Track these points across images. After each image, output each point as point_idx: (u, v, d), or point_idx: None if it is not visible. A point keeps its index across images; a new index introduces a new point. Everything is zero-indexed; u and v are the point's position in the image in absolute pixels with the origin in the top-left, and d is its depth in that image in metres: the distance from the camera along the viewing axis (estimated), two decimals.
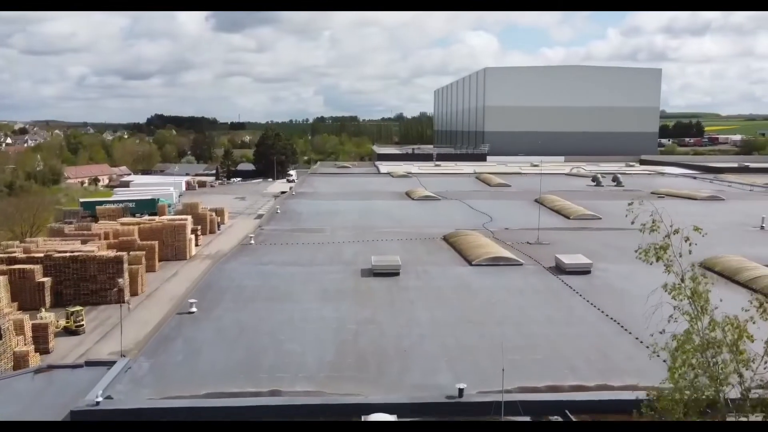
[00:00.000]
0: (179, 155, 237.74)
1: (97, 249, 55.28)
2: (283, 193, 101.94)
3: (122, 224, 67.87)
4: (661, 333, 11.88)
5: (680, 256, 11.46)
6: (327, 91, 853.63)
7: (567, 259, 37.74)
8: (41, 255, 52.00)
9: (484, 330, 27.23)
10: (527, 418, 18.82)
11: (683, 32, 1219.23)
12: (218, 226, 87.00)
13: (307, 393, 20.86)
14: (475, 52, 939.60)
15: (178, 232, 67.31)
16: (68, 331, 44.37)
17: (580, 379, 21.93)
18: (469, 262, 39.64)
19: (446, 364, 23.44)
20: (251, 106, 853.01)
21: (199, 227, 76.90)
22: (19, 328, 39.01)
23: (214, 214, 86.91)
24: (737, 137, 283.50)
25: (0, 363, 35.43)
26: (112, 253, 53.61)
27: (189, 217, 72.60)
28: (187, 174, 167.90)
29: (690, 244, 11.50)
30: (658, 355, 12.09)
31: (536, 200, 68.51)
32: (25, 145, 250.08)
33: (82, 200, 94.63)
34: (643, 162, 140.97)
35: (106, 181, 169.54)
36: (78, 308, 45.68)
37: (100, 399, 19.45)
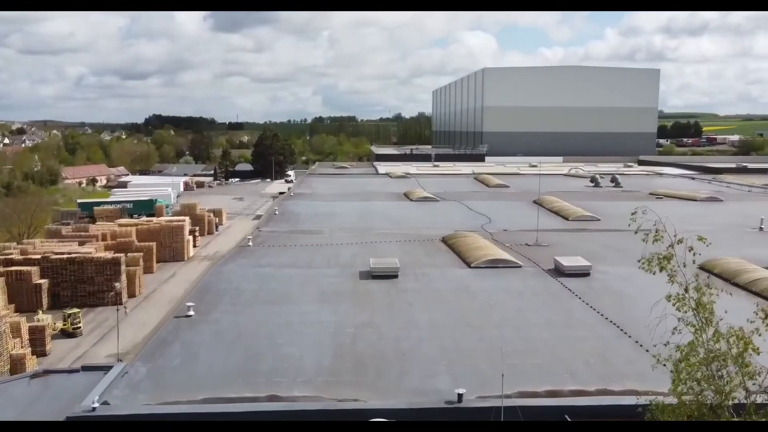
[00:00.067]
0: (177, 155, 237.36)
1: (94, 250, 55.02)
2: (281, 193, 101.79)
3: (120, 225, 67.61)
4: (665, 345, 11.72)
5: (684, 266, 11.30)
6: (325, 91, 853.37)
7: (566, 262, 37.63)
8: (38, 256, 51.72)
9: (483, 333, 27.12)
10: None
11: (681, 32, 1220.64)
12: (216, 227, 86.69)
13: (306, 398, 20.73)
14: (473, 52, 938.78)
15: (176, 234, 67.03)
16: (65, 334, 44.07)
17: (580, 384, 21.81)
18: (468, 264, 39.52)
19: (445, 368, 23.32)
20: (249, 106, 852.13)
21: (197, 228, 76.60)
22: (15, 331, 38.75)
23: (212, 214, 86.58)
24: (735, 137, 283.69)
25: None
26: (109, 255, 53.33)
27: (187, 218, 72.30)
28: (185, 174, 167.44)
29: (694, 254, 11.35)
30: (664, 365, 11.92)
31: (535, 201, 68.42)
32: (23, 145, 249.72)
33: (79, 201, 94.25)
34: (641, 162, 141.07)
35: (104, 182, 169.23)
36: (75, 310, 45.39)
37: (96, 405, 19.30)
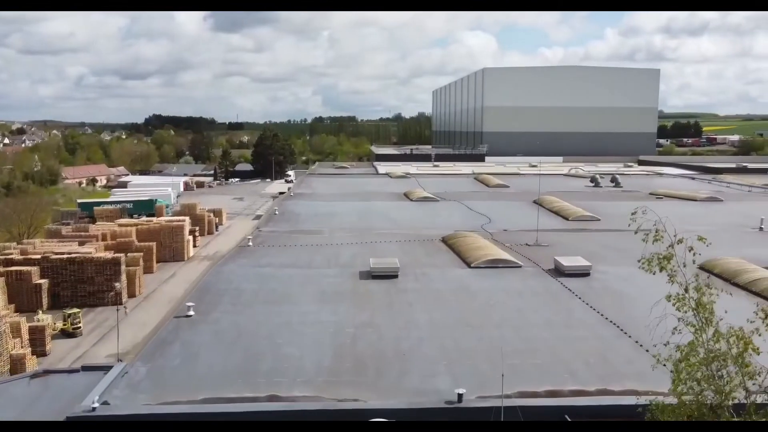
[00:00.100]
0: (177, 155, 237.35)
1: (94, 250, 55.03)
2: (281, 193, 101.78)
3: (120, 225, 67.63)
4: (665, 345, 11.71)
5: (684, 266, 11.29)
6: (325, 91, 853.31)
7: (566, 262, 37.63)
8: (38, 256, 51.73)
9: (483, 333, 27.12)
10: None
11: (681, 32, 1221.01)
12: (216, 227, 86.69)
13: (306, 398, 20.73)
14: (473, 53, 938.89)
15: (176, 234, 67.03)
16: (65, 334, 44.08)
17: (580, 384, 21.81)
18: (468, 264, 39.52)
19: (445, 368, 23.32)
20: (249, 106, 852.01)
21: (197, 228, 76.62)
22: (15, 331, 38.76)
23: (212, 214, 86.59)
24: (735, 137, 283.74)
25: None
26: (109, 255, 53.34)
27: (187, 218, 72.30)
28: (185, 174, 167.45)
29: (694, 254, 11.34)
30: (664, 365, 11.90)
31: (535, 201, 68.43)
32: (23, 145, 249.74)
33: (79, 201, 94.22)
34: (641, 162, 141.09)
35: (104, 182, 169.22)
36: (75, 310, 45.39)
37: (96, 405, 19.30)
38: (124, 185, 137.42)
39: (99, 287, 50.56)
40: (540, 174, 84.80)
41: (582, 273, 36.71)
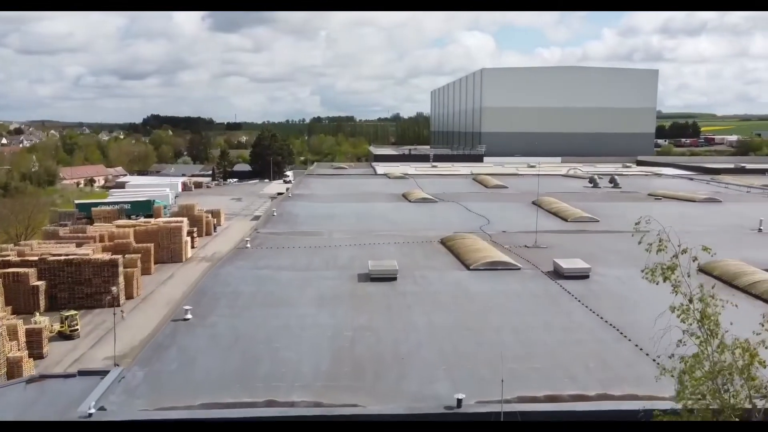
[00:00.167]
0: (175, 156, 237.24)
1: (92, 252, 54.88)
2: (279, 194, 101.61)
3: (118, 226, 67.49)
4: (670, 357, 11.54)
5: (688, 275, 11.13)
6: (323, 91, 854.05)
7: (565, 264, 37.50)
8: (35, 258, 51.59)
9: (482, 337, 26.98)
10: None
11: (679, 32, 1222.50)
12: (214, 228, 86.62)
13: (304, 403, 20.57)
14: (471, 53, 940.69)
15: (174, 235, 66.93)
16: (63, 336, 43.96)
17: (580, 389, 21.67)
18: (467, 267, 39.38)
19: (444, 373, 23.17)
20: (248, 106, 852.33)
21: (195, 229, 76.53)
22: (12, 333, 38.61)
23: (210, 215, 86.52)
24: (733, 138, 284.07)
25: None
26: (107, 257, 53.22)
27: (185, 219, 72.21)
28: (183, 175, 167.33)
29: (698, 264, 11.17)
30: (672, 376, 11.73)
31: (533, 202, 68.34)
32: (21, 145, 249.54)
33: (77, 202, 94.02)
34: (639, 163, 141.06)
35: (102, 182, 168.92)
36: (73, 312, 45.26)
37: (93, 410, 19.14)
38: (122, 186, 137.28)
39: (96, 289, 50.43)
40: (539, 175, 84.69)
41: (581, 275, 36.57)
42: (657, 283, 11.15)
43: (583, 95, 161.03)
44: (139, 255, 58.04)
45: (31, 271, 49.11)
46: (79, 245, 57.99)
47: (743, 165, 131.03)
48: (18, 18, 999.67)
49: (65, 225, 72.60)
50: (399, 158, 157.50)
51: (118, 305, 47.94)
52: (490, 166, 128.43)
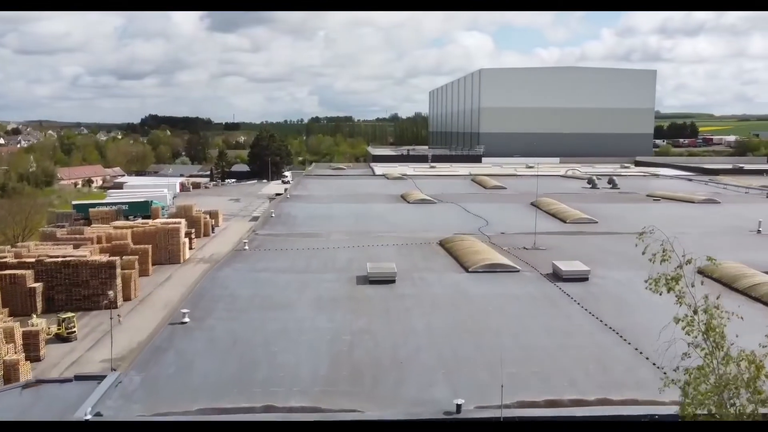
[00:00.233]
0: (173, 156, 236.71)
1: (89, 254, 54.66)
2: (278, 194, 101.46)
3: (115, 228, 67.27)
4: (675, 371, 11.36)
5: (692, 286, 10.97)
6: (322, 91, 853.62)
7: (564, 266, 37.38)
8: (33, 260, 51.34)
9: (482, 340, 26.84)
10: None
11: (677, 32, 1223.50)
12: (212, 229, 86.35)
13: (302, 408, 20.42)
14: (469, 53, 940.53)
15: (172, 236, 66.69)
16: (60, 338, 43.75)
17: (580, 393, 21.54)
18: (466, 269, 39.25)
19: (443, 377, 23.03)
20: (246, 106, 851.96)
21: (193, 230, 76.34)
22: (9, 336, 38.38)
23: (208, 216, 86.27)
24: (731, 138, 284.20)
25: None
26: (104, 258, 53.02)
27: (183, 221, 71.99)
28: (182, 175, 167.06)
29: (703, 277, 11.02)
30: (681, 388, 11.54)
31: (532, 203, 68.27)
32: (18, 145, 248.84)
33: (74, 203, 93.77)
34: (638, 163, 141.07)
35: (100, 183, 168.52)
36: (70, 315, 45.03)
37: (89, 416, 18.98)
38: (120, 186, 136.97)
39: (94, 291, 50.21)
40: (538, 175, 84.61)
41: (580, 278, 36.45)
42: (660, 294, 10.98)
43: (581, 96, 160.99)
44: (137, 256, 57.84)
45: (28, 273, 48.87)
46: (76, 247, 57.74)
47: (741, 166, 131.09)
48: (15, 18, 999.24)
49: (63, 226, 72.30)
50: (397, 159, 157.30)
51: (116, 308, 47.70)
52: (488, 166, 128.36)
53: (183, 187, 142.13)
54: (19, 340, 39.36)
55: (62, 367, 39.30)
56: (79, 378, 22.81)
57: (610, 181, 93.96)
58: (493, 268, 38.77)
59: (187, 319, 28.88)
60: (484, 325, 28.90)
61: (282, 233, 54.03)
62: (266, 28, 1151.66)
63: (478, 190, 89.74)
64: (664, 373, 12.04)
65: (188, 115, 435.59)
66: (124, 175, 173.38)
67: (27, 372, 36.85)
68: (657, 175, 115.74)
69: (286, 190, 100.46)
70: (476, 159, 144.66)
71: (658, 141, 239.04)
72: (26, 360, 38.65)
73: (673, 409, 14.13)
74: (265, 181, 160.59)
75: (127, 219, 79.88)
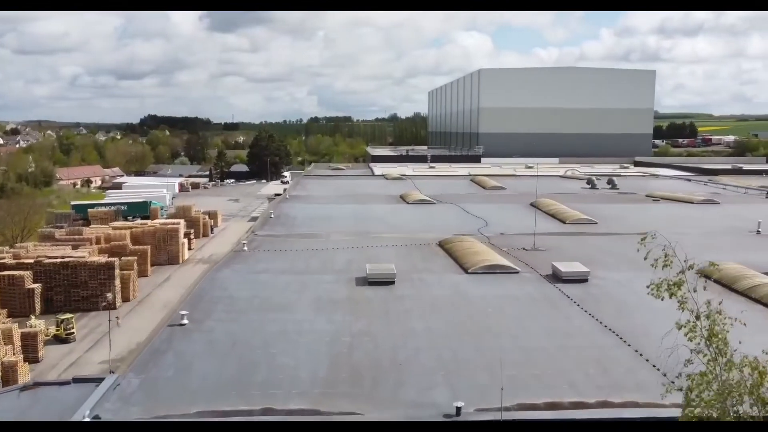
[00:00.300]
0: (172, 156, 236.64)
1: (88, 254, 54.53)
2: (277, 195, 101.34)
3: (114, 228, 67.13)
4: (677, 377, 11.28)
5: (695, 291, 10.88)
6: (321, 91, 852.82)
7: (564, 267, 37.31)
8: (31, 261, 51.21)
9: (481, 342, 26.78)
10: None
11: (676, 32, 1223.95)
12: (211, 230, 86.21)
13: (301, 410, 20.35)
14: (468, 53, 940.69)
15: (171, 237, 66.55)
16: (58, 339, 43.64)
17: (580, 395, 21.48)
18: (465, 270, 39.18)
19: (443, 379, 22.97)
20: (245, 106, 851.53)
21: (192, 231, 76.21)
22: (7, 337, 38.30)
23: (207, 217, 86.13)
24: (730, 138, 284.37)
25: None
26: (103, 259, 52.88)
27: (182, 221, 71.84)
28: (181, 175, 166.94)
29: (703, 279, 10.95)
30: (686, 395, 11.45)
31: (532, 204, 68.20)
32: (17, 145, 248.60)
33: (73, 203, 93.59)
34: (637, 164, 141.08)
35: (99, 183, 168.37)
36: (68, 316, 44.92)
37: (87, 419, 18.90)
38: (119, 186, 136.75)
39: (93, 292, 50.07)
40: (537, 176, 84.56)
41: (580, 279, 36.39)
42: (662, 299, 10.90)
43: (580, 96, 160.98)
44: (136, 257, 57.70)
45: (27, 274, 48.75)
46: (75, 247, 57.61)
47: (740, 166, 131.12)
48: (14, 18, 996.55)
49: (61, 227, 72.19)
50: (396, 159, 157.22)
51: (114, 309, 47.60)
52: (487, 167, 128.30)
53: (182, 188, 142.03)
54: (17, 342, 39.27)
55: (61, 368, 39.20)
56: (77, 380, 22.74)
57: (610, 182, 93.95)
58: (493, 269, 38.71)
59: (185, 321, 28.82)
60: (483, 327, 28.84)
61: (281, 234, 53.95)
62: (265, 28, 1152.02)
63: (477, 191, 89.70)
64: (672, 382, 11.91)
65: (187, 115, 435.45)
66: (123, 176, 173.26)
67: (25, 373, 36.72)
68: (656, 176, 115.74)
69: (285, 190, 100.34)
70: (475, 159, 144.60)
71: (657, 141, 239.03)
72: (25, 361, 38.50)
73: (673, 412, 14.07)
74: (264, 181, 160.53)
75: (126, 219, 79.73)
